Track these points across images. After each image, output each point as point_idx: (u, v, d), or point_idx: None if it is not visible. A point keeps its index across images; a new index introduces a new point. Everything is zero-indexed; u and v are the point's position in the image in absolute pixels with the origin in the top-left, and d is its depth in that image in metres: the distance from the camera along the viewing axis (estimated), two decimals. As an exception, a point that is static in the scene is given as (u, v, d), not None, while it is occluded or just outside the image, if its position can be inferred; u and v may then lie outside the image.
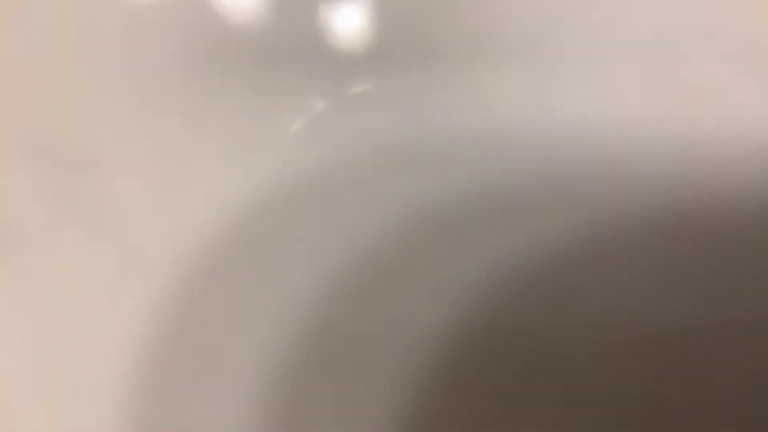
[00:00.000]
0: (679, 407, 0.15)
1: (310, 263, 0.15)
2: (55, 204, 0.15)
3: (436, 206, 0.15)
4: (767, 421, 0.15)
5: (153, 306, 0.15)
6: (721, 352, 0.15)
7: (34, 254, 0.15)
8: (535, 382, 0.15)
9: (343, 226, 0.15)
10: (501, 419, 0.15)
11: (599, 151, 0.15)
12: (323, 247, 0.15)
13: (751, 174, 0.15)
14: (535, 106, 0.15)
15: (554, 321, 0.15)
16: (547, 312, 0.15)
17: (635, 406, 0.15)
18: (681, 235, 0.15)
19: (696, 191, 0.15)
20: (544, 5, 0.15)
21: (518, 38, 0.15)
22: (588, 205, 0.15)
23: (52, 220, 0.15)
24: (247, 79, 0.15)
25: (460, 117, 0.15)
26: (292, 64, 0.15)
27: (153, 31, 0.15)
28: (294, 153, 0.15)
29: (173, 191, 0.15)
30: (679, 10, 0.15)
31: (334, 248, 0.15)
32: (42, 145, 0.15)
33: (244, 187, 0.15)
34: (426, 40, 0.15)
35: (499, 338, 0.15)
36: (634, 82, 0.15)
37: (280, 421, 0.15)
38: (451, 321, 0.15)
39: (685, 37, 0.15)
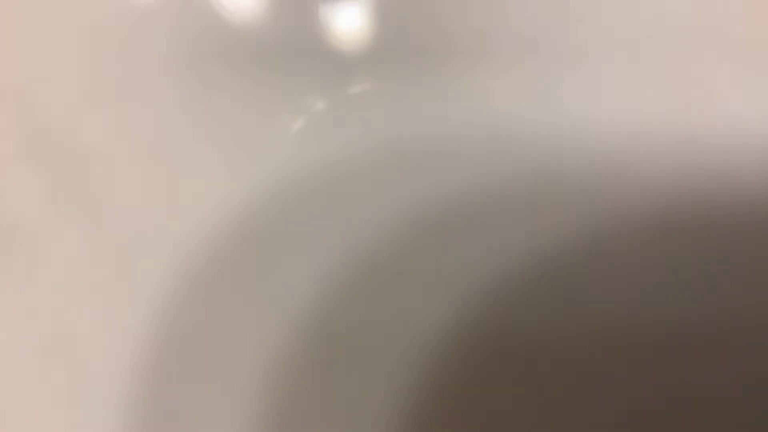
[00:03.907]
0: (679, 407, 0.15)
1: (309, 262, 0.15)
2: (55, 204, 0.15)
3: (435, 206, 0.15)
4: (767, 422, 0.15)
5: (152, 305, 0.15)
6: (721, 351, 0.15)
7: (34, 254, 0.15)
8: (534, 381, 0.15)
9: (342, 226, 0.15)
10: (500, 418, 0.15)
11: (599, 151, 0.15)
12: (322, 246, 0.15)
13: (751, 174, 0.15)
14: (535, 106, 0.15)
15: (553, 320, 0.15)
16: (546, 311, 0.15)
17: (635, 406, 0.15)
18: (681, 234, 0.15)
19: (696, 191, 0.15)
20: (545, 5, 0.15)
21: (518, 38, 0.15)
22: (588, 205, 0.15)
23: (52, 220, 0.15)
24: (247, 79, 0.15)
25: (460, 117, 0.15)
26: (292, 64, 0.15)
27: (153, 32, 0.15)
28: (294, 153, 0.15)
29: (173, 191, 0.15)
30: (679, 11, 0.15)
31: (333, 247, 0.15)
32: (42, 145, 0.15)
33: (243, 187, 0.15)
34: (426, 40, 0.15)
35: (499, 337, 0.15)
36: (633, 82, 0.15)
37: (279, 420, 0.15)
38: (450, 320, 0.15)
39: (685, 37, 0.15)
